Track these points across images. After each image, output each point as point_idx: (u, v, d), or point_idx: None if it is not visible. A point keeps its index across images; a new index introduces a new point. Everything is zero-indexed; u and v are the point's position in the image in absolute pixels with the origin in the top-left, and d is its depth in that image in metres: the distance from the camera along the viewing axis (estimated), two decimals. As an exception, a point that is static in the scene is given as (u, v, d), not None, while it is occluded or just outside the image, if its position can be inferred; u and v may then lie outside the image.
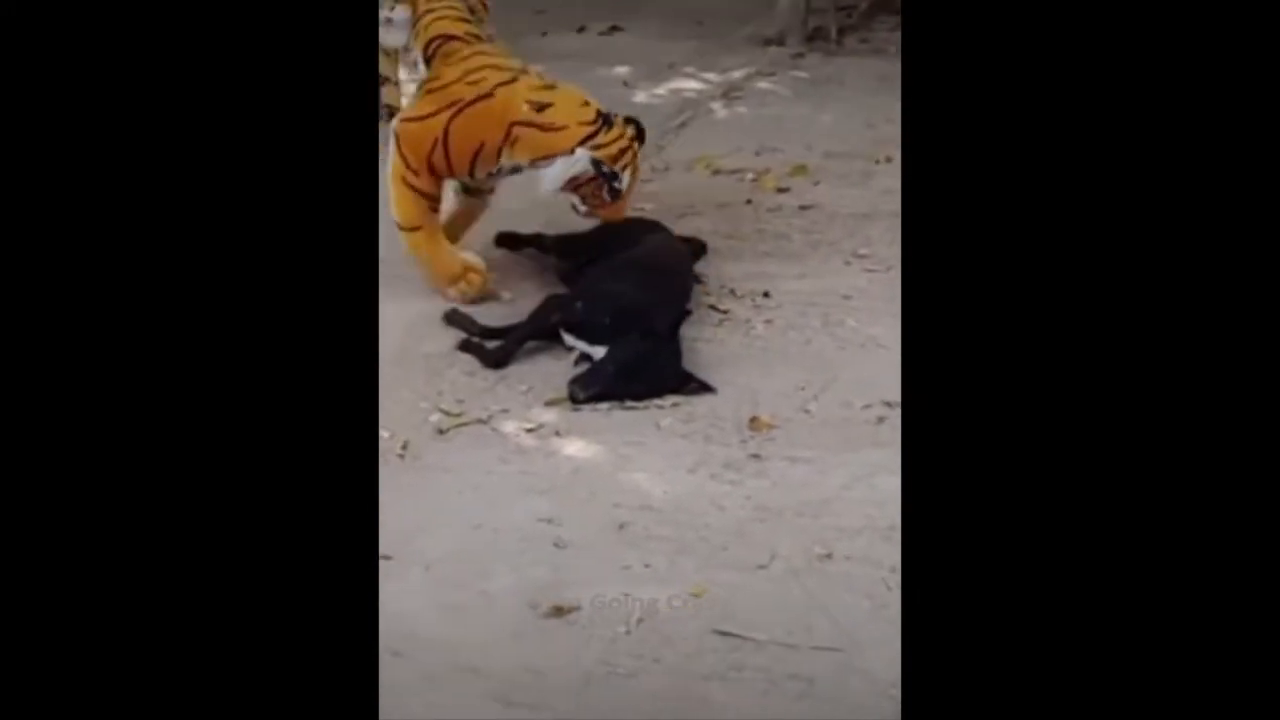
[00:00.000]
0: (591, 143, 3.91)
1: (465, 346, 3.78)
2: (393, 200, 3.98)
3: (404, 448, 3.35)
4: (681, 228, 4.36)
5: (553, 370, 3.70)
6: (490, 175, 4.09)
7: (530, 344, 3.77)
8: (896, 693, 2.31)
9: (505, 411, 3.52)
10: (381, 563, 2.88)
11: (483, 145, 3.96)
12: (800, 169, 4.97)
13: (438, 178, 4.02)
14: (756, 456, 3.30)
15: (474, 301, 4.00)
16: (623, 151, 3.95)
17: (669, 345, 3.63)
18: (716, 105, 5.72)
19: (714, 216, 4.59)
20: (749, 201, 4.74)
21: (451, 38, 4.16)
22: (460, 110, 3.95)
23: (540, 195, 4.11)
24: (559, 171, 3.94)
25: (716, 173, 4.99)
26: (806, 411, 3.50)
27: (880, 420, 3.42)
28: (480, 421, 3.48)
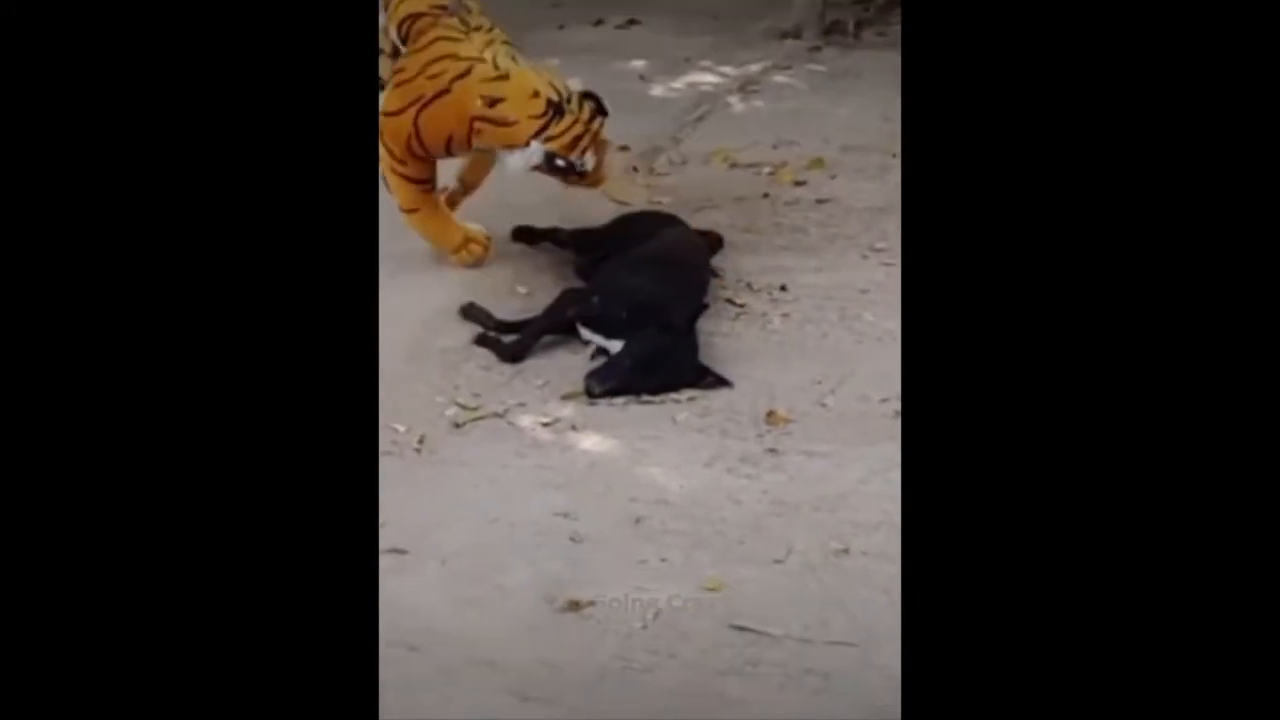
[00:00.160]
0: (543, 135, 3.89)
1: (481, 340, 3.78)
2: (389, 189, 4.05)
3: (420, 442, 3.35)
4: (698, 221, 4.35)
5: (569, 364, 3.69)
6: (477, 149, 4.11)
7: (547, 338, 3.77)
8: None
9: (521, 405, 3.52)
10: (397, 557, 2.90)
11: (451, 137, 3.99)
12: (817, 162, 4.96)
13: (424, 162, 4.06)
14: (773, 451, 3.30)
15: (473, 266, 4.13)
16: (578, 139, 3.93)
17: (686, 339, 3.62)
18: (733, 99, 5.71)
19: (731, 210, 4.58)
20: (766, 195, 4.72)
21: (419, 15, 4.15)
22: (423, 107, 3.98)
23: (554, 191, 4.13)
24: (518, 163, 3.96)
25: (733, 166, 4.97)
26: (823, 406, 3.49)
27: (897, 415, 3.41)
28: (496, 415, 3.48)
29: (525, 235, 4.32)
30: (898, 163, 4.89)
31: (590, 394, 3.53)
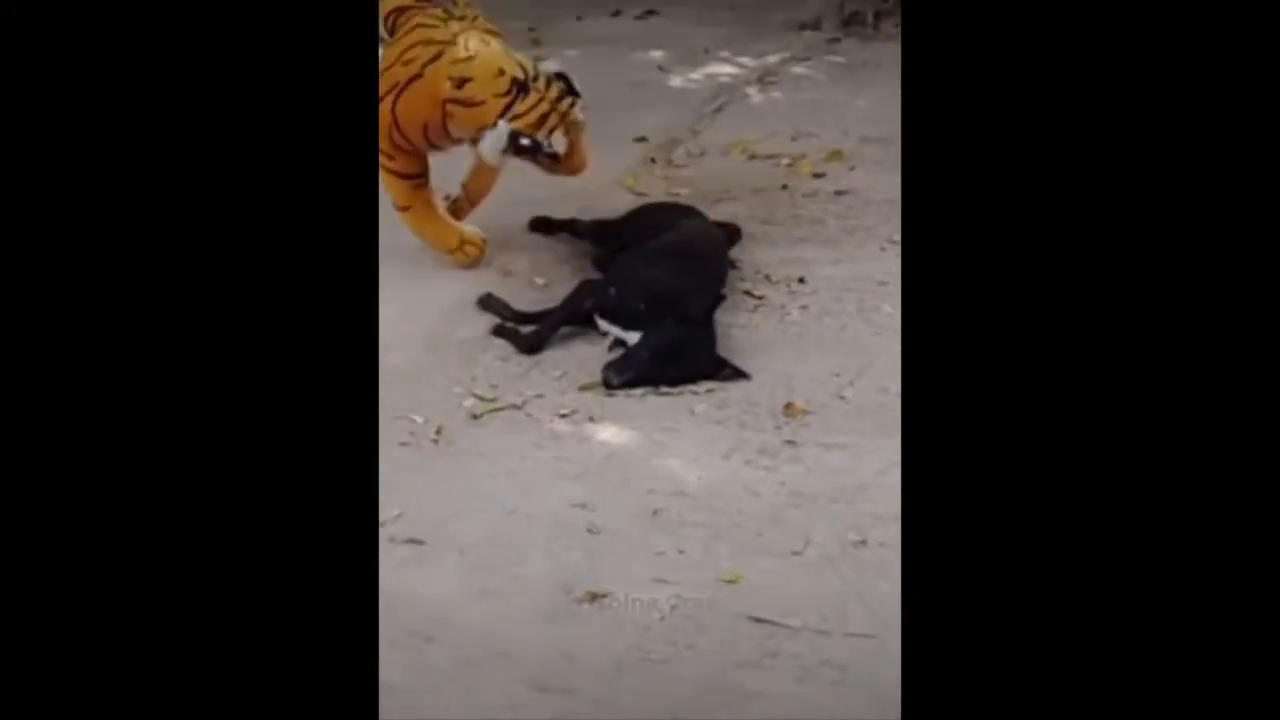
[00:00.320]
0: (509, 114, 3.85)
1: (499, 331, 3.77)
2: (382, 185, 4.00)
3: (438, 433, 3.35)
4: (717, 213, 4.35)
5: (587, 355, 3.69)
6: (459, 143, 4.06)
7: (564, 329, 3.77)
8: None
9: (539, 397, 3.52)
10: (415, 548, 2.90)
11: (427, 124, 3.95)
12: (836, 154, 4.95)
13: (411, 156, 4.01)
14: (791, 443, 3.29)
15: (469, 267, 4.06)
16: (544, 117, 3.88)
17: (704, 331, 3.62)
18: (752, 90, 5.69)
19: (749, 201, 4.57)
20: (784, 187, 4.71)
21: (406, 8, 4.13)
22: (399, 93, 3.94)
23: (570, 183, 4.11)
24: (490, 145, 3.89)
25: (752, 158, 4.96)
26: (842, 398, 3.49)
27: (915, 406, 3.40)
28: (514, 407, 3.48)
29: (543, 226, 4.32)
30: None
31: (608, 385, 3.53)
